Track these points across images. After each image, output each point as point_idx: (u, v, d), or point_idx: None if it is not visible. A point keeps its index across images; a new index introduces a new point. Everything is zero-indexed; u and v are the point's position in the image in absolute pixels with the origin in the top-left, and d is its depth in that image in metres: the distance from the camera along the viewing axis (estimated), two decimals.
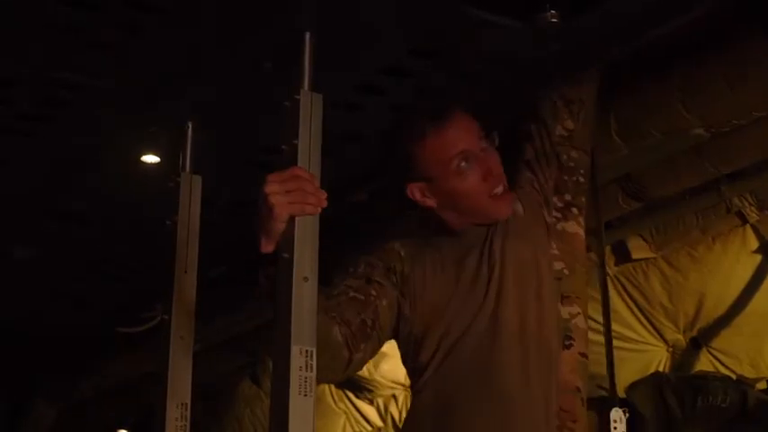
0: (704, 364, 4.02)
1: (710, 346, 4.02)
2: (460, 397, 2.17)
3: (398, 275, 2.28)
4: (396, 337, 2.34)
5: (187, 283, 2.49)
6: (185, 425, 2.40)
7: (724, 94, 2.70)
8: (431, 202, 2.26)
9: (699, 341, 4.05)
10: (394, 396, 5.28)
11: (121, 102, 2.76)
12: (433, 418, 2.21)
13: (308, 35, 2.09)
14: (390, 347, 5.25)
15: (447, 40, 2.49)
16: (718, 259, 3.81)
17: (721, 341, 3.97)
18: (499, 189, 2.24)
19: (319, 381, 2.19)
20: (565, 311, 2.21)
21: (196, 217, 2.52)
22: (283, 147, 2.03)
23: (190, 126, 2.60)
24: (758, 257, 3.74)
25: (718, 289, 3.87)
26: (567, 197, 2.33)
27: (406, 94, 2.71)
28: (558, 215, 2.31)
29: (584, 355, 2.20)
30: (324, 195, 1.93)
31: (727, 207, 3.52)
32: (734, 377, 3.82)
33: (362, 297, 2.24)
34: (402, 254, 2.30)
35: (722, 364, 3.99)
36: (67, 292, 4.44)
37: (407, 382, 5.12)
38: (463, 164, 2.22)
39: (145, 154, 3.06)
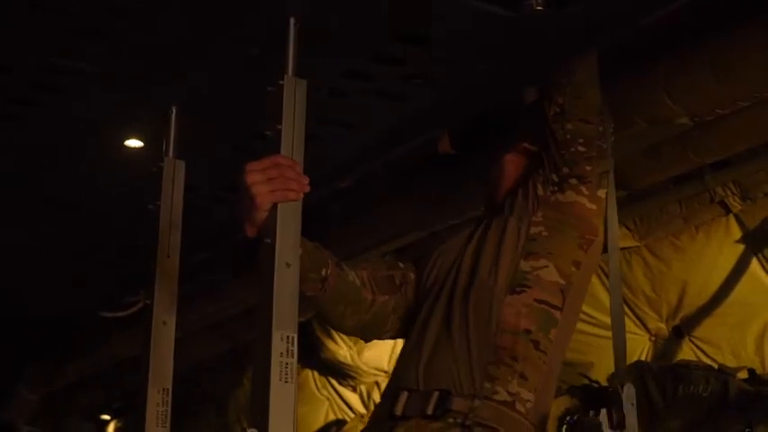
0: (686, 353, 4.03)
1: (693, 336, 4.02)
2: (414, 335, 2.38)
3: (416, 255, 2.51)
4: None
5: (170, 268, 2.48)
6: (166, 410, 2.40)
7: (708, 84, 2.69)
8: None
9: (681, 330, 4.05)
10: (377, 383, 5.28)
11: (105, 86, 2.75)
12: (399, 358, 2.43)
13: (292, 20, 2.09)
14: None
15: (433, 26, 2.49)
16: (701, 249, 3.81)
17: (704, 330, 3.98)
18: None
19: (346, 328, 2.46)
20: (527, 265, 2.32)
21: (179, 202, 2.52)
22: (267, 132, 2.03)
23: (174, 111, 2.59)
24: (741, 247, 3.74)
25: (701, 278, 3.87)
26: (565, 170, 2.39)
27: (393, 81, 2.71)
28: (555, 188, 2.39)
29: (543, 301, 2.31)
30: (306, 181, 1.96)
31: (710, 197, 3.52)
32: (716, 366, 3.83)
33: (393, 262, 2.48)
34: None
35: (704, 353, 4.00)
36: (51, 276, 4.43)
37: (390, 368, 5.15)
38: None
39: (128, 139, 3.05)
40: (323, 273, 2.27)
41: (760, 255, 3.70)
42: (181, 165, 2.55)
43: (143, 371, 2.41)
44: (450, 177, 3.28)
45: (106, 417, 6.79)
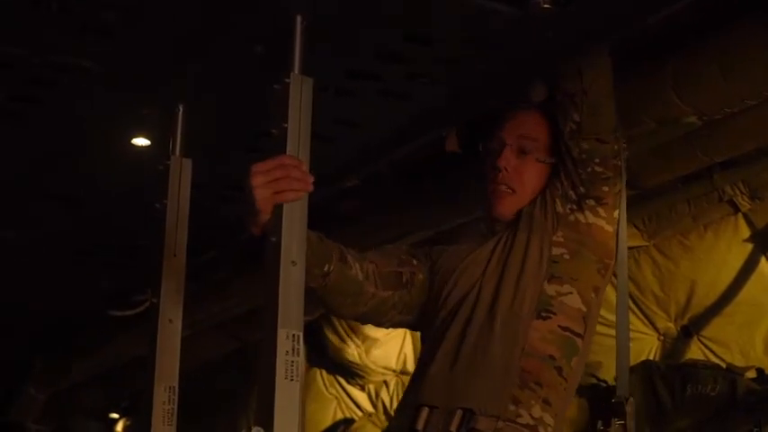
0: (695, 352, 4.03)
1: (701, 335, 4.02)
2: (436, 349, 2.37)
3: (432, 257, 2.50)
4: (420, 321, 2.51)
5: (176, 267, 2.48)
6: (173, 408, 2.40)
7: (716, 83, 2.69)
8: None
9: (690, 330, 4.05)
10: (385, 382, 5.28)
11: (112, 84, 2.74)
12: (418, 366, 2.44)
13: (298, 18, 2.09)
14: (382, 334, 5.28)
15: (439, 25, 2.48)
16: (709, 248, 3.81)
17: (712, 330, 3.97)
18: (499, 187, 2.44)
19: (343, 316, 2.52)
20: (551, 289, 2.33)
21: (186, 200, 2.52)
22: (273, 130, 2.03)
23: (180, 109, 2.59)
24: (749, 246, 3.74)
25: (710, 277, 3.87)
26: (581, 190, 2.38)
27: (399, 80, 2.70)
28: (573, 207, 2.39)
29: (567, 329, 2.32)
30: (310, 179, 1.96)
31: (719, 196, 3.52)
32: (724, 366, 3.83)
33: (404, 257, 2.48)
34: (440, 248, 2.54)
35: (713, 352, 3.99)
36: (58, 275, 4.43)
37: (398, 367, 5.16)
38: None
39: (135, 137, 3.04)
40: (325, 268, 2.27)
41: None
42: (188, 163, 2.55)
43: (149, 369, 2.42)
44: (456, 177, 3.27)
45: (115, 415, 6.81)
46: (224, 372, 5.68)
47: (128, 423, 6.75)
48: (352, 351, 5.13)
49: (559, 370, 2.30)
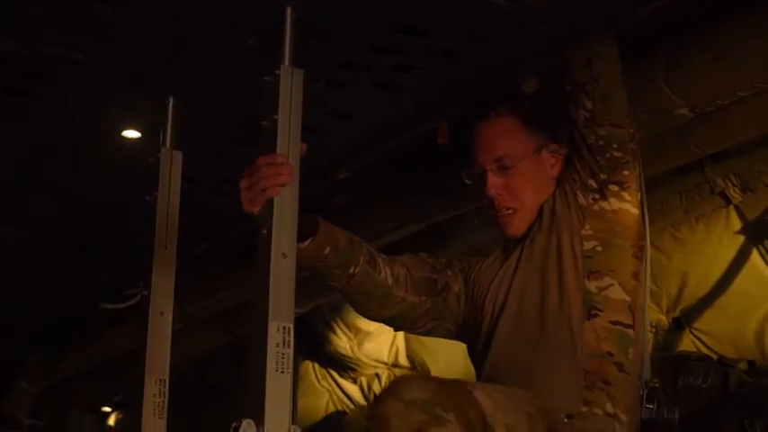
0: (686, 344, 4.03)
1: (693, 327, 4.02)
2: (491, 363, 2.39)
3: (466, 270, 2.51)
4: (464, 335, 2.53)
5: (167, 259, 2.48)
6: (163, 401, 2.40)
7: (708, 74, 2.68)
8: None
9: (681, 322, 4.05)
10: (377, 375, 5.28)
11: (102, 77, 2.74)
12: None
13: (289, 10, 2.08)
14: (374, 327, 5.27)
15: (432, 16, 2.47)
16: (701, 240, 3.81)
17: (704, 322, 3.97)
18: (498, 213, 2.46)
19: (369, 318, 2.49)
20: (592, 286, 2.33)
21: (176, 193, 2.52)
22: (263, 123, 2.03)
23: (171, 101, 2.59)
24: (741, 238, 3.74)
25: (702, 270, 3.87)
26: (602, 176, 2.39)
27: (391, 72, 2.70)
28: (596, 195, 2.39)
29: (617, 323, 2.32)
30: (286, 171, 1.97)
31: (710, 188, 3.51)
32: (715, 358, 3.83)
33: (438, 266, 2.48)
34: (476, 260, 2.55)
35: (704, 344, 3.99)
36: (48, 269, 4.42)
37: (390, 360, 5.16)
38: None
39: (126, 129, 3.04)
40: (350, 270, 2.29)
41: (760, 246, 3.70)
42: (178, 155, 2.55)
43: (140, 362, 2.42)
44: (448, 169, 3.27)
45: (107, 409, 6.80)
46: (215, 364, 5.67)
47: (120, 416, 6.74)
48: (345, 344, 5.12)
49: (620, 366, 2.30)
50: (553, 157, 2.47)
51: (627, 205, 2.39)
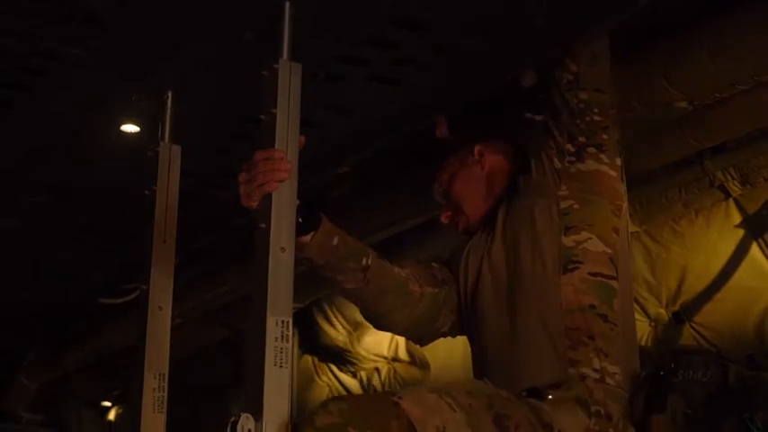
0: (686, 338, 4.02)
1: (693, 321, 4.01)
2: (479, 341, 2.41)
3: (447, 262, 2.57)
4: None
5: (165, 254, 2.49)
6: (163, 395, 2.40)
7: (706, 67, 2.68)
8: None
9: (681, 316, 4.04)
10: (377, 369, 5.28)
11: (100, 71, 2.73)
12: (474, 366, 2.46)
13: (287, 4, 2.08)
14: None
15: (431, 11, 2.47)
16: (701, 233, 3.80)
17: (703, 316, 3.97)
18: (456, 227, 2.63)
19: (397, 323, 2.48)
20: (569, 240, 2.35)
21: (175, 187, 2.52)
22: (262, 117, 2.03)
23: (169, 95, 2.59)
24: (741, 232, 3.73)
25: (701, 263, 3.86)
26: (581, 139, 2.42)
27: (390, 66, 2.69)
28: (573, 159, 2.41)
29: (597, 274, 2.32)
30: (283, 167, 1.98)
31: (710, 181, 3.51)
32: (715, 352, 3.82)
33: (433, 266, 2.52)
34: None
35: (704, 338, 3.99)
36: (48, 263, 4.42)
37: (390, 354, 5.15)
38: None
39: (125, 123, 3.03)
40: (363, 262, 2.28)
41: (760, 239, 3.69)
42: (177, 149, 2.56)
43: (139, 356, 2.42)
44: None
45: (107, 403, 6.80)
46: (214, 359, 5.67)
47: (120, 411, 6.74)
48: (344, 338, 5.12)
49: (604, 317, 2.29)
50: (480, 154, 2.62)
51: (604, 167, 2.42)
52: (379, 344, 5.09)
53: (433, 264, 2.52)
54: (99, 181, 3.44)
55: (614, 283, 2.33)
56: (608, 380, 2.24)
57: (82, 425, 6.77)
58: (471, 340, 2.47)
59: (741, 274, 3.77)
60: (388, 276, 2.34)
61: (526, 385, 2.23)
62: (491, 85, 2.82)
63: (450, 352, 4.42)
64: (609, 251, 2.35)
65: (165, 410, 2.42)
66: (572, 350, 2.25)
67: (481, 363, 2.40)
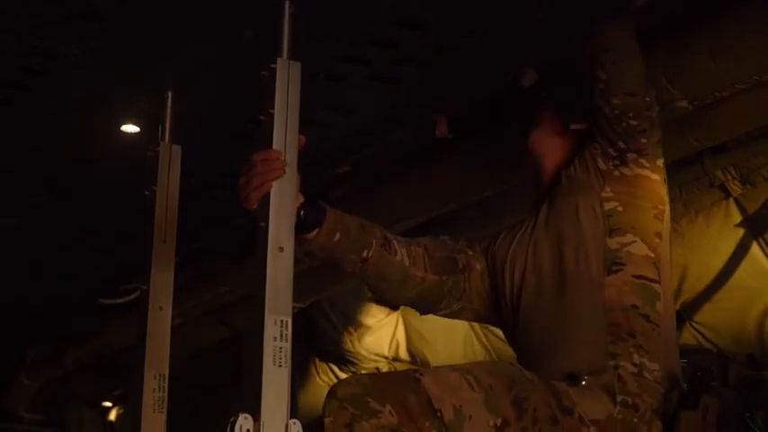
0: (687, 338, 4.03)
1: (693, 320, 4.02)
2: (524, 333, 2.44)
3: (486, 248, 2.55)
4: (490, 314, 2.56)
5: (166, 254, 2.49)
6: (163, 395, 2.40)
7: (706, 67, 2.68)
8: None
9: (682, 315, 4.04)
10: (378, 369, 5.28)
11: (100, 71, 2.73)
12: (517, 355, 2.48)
13: (287, 3, 2.08)
14: (375, 321, 5.26)
15: (431, 10, 2.47)
16: (701, 233, 3.80)
17: (704, 315, 3.97)
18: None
19: (389, 302, 2.44)
20: (614, 242, 2.36)
21: (175, 187, 2.52)
22: (261, 116, 2.03)
23: (169, 96, 2.59)
24: (741, 231, 3.73)
25: (701, 263, 3.87)
26: (621, 145, 2.41)
27: (390, 65, 2.69)
28: (616, 162, 2.42)
29: (640, 276, 2.34)
30: (277, 166, 1.99)
31: (710, 180, 3.51)
32: (715, 351, 3.83)
33: (459, 246, 2.51)
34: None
35: (704, 337, 4.00)
36: (49, 263, 4.42)
37: (391, 354, 5.16)
38: None
39: (125, 124, 3.03)
40: (363, 254, 2.32)
41: (760, 239, 3.69)
42: (177, 149, 2.56)
43: (139, 356, 2.42)
44: (446, 163, 3.27)
45: (107, 403, 6.80)
46: (215, 358, 5.68)
47: (120, 411, 6.75)
48: (345, 338, 5.12)
49: (646, 317, 2.32)
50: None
51: (646, 171, 2.43)
52: (379, 344, 5.10)
53: (469, 251, 2.52)
54: (99, 181, 3.45)
55: (657, 287, 2.36)
56: (646, 374, 2.28)
57: (82, 425, 6.78)
58: (513, 331, 2.49)
59: (741, 274, 3.77)
60: (388, 265, 2.37)
61: (566, 371, 2.27)
62: (491, 85, 2.83)
63: (451, 352, 4.43)
64: (652, 255, 2.37)
65: (165, 410, 2.42)
66: (612, 345, 2.29)
67: (524, 352, 2.44)
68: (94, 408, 6.81)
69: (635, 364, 2.27)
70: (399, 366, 5.09)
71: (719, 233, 3.76)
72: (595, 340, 2.30)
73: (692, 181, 3.53)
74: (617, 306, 2.31)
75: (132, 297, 4.43)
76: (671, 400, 2.28)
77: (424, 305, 2.52)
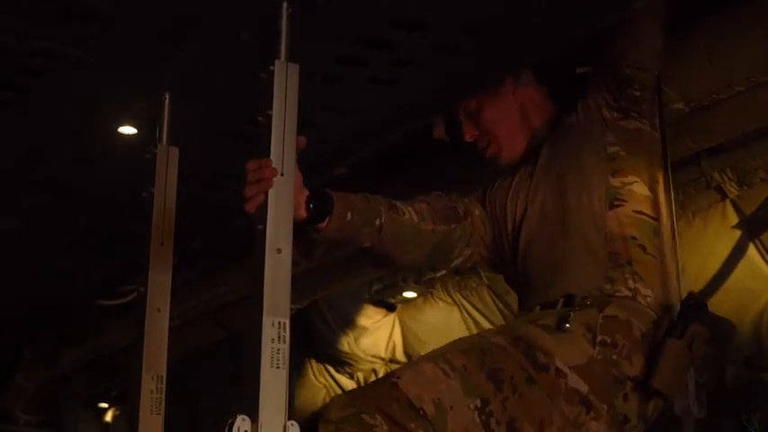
0: None
1: None
2: (524, 266, 2.55)
3: (482, 196, 2.70)
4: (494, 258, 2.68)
5: (164, 255, 2.49)
6: (161, 397, 2.41)
7: (703, 69, 2.69)
8: None
9: None
10: (374, 370, 5.28)
11: (98, 72, 2.73)
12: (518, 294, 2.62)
13: (285, 5, 2.09)
14: (371, 322, 5.26)
15: (429, 11, 2.47)
16: (697, 235, 3.80)
17: None
18: (484, 153, 2.71)
19: (411, 264, 2.71)
20: (616, 181, 2.49)
21: (173, 188, 2.53)
22: (259, 118, 2.03)
23: (167, 97, 2.59)
24: (738, 233, 3.73)
25: (698, 265, 3.85)
26: (623, 103, 2.55)
27: (388, 67, 2.69)
28: (618, 114, 2.55)
29: (640, 212, 2.48)
30: (268, 175, 2.00)
31: (707, 182, 3.51)
32: None
33: (454, 196, 2.65)
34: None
35: None
36: (46, 264, 4.41)
37: (387, 356, 5.16)
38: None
39: (122, 125, 3.03)
40: (377, 223, 2.40)
41: (757, 240, 3.69)
42: (174, 151, 2.56)
43: (137, 358, 2.43)
44: (444, 164, 3.27)
45: (104, 405, 6.80)
46: (213, 359, 5.67)
47: (117, 412, 6.74)
48: (341, 340, 5.12)
49: (644, 248, 2.44)
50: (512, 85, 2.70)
51: (646, 127, 2.57)
52: (376, 345, 5.09)
53: (465, 199, 2.64)
54: (99, 182, 3.44)
55: (655, 223, 2.48)
56: (639, 299, 2.39)
57: (79, 426, 6.76)
58: (514, 267, 2.58)
59: (738, 276, 3.77)
60: (400, 226, 2.44)
61: (564, 292, 2.40)
62: (491, 86, 2.82)
63: None
64: (651, 196, 2.50)
65: (162, 412, 2.42)
66: (611, 270, 2.41)
67: (525, 285, 2.54)
68: (92, 409, 6.79)
69: (630, 289, 2.39)
70: (395, 368, 5.09)
71: (716, 235, 3.76)
72: (597, 265, 2.42)
73: (688, 182, 3.53)
74: (618, 236, 2.44)
75: (130, 298, 4.43)
76: (661, 326, 2.35)
77: (440, 257, 2.63)
